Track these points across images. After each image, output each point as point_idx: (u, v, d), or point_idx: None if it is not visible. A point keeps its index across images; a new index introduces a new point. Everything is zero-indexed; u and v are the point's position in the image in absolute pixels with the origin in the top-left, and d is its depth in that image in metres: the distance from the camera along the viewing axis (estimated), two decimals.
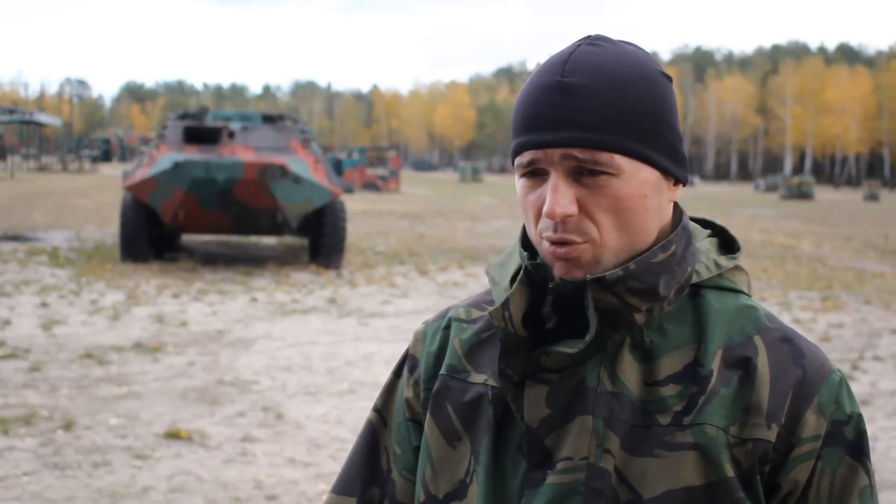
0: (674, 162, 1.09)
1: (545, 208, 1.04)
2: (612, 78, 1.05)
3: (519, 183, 1.10)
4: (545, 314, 1.09)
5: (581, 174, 1.05)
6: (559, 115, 1.04)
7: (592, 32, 1.14)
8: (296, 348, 8.51)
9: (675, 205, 1.14)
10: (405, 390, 1.25)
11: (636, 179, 1.05)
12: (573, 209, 1.04)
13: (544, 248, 1.08)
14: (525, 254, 1.13)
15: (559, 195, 1.03)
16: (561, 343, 1.07)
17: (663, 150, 1.07)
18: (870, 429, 6.29)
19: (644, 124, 1.05)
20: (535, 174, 1.07)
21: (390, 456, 1.25)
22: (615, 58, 1.07)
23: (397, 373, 1.28)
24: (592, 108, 1.04)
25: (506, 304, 1.08)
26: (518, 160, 1.08)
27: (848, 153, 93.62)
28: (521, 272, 1.10)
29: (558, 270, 1.07)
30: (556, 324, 1.09)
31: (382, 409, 1.28)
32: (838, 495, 1.06)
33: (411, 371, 1.24)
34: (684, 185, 1.12)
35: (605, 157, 1.03)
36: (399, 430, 1.25)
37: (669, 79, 1.11)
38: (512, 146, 1.11)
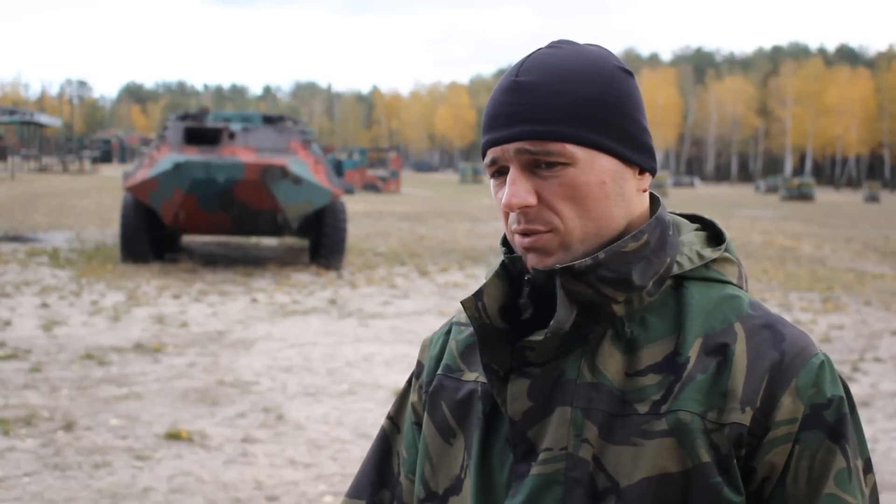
0: (634, 150, 1.11)
1: (503, 200, 1.08)
2: (564, 73, 1.09)
3: (490, 183, 1.15)
4: (522, 305, 1.12)
5: (538, 167, 1.08)
6: (512, 111, 1.09)
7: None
8: (296, 349, 8.51)
9: (654, 197, 1.16)
10: (412, 396, 1.29)
11: (592, 168, 1.08)
12: (531, 200, 1.07)
13: (516, 241, 1.11)
14: (503, 249, 1.17)
15: (516, 187, 1.08)
16: (535, 333, 1.09)
17: (619, 138, 1.09)
18: (870, 430, 6.29)
19: (596, 114, 1.08)
20: (502, 172, 1.12)
21: (399, 460, 1.29)
22: (570, 56, 1.11)
23: (409, 381, 1.32)
24: (542, 103, 1.08)
25: (479, 294, 1.11)
26: (485, 161, 1.13)
27: (848, 154, 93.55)
28: (498, 265, 1.14)
29: (530, 261, 1.10)
30: (536, 316, 1.11)
31: (395, 417, 1.33)
32: (816, 478, 1.05)
33: (417, 377, 1.29)
34: (653, 175, 1.14)
35: (556, 147, 1.07)
36: (407, 434, 1.29)
37: (630, 74, 1.14)
38: (481, 149, 1.15)
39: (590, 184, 1.07)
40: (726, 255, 1.15)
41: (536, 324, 1.11)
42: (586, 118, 1.07)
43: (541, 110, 1.07)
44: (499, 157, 1.10)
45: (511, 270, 1.13)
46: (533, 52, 1.12)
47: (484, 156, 1.13)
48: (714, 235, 1.19)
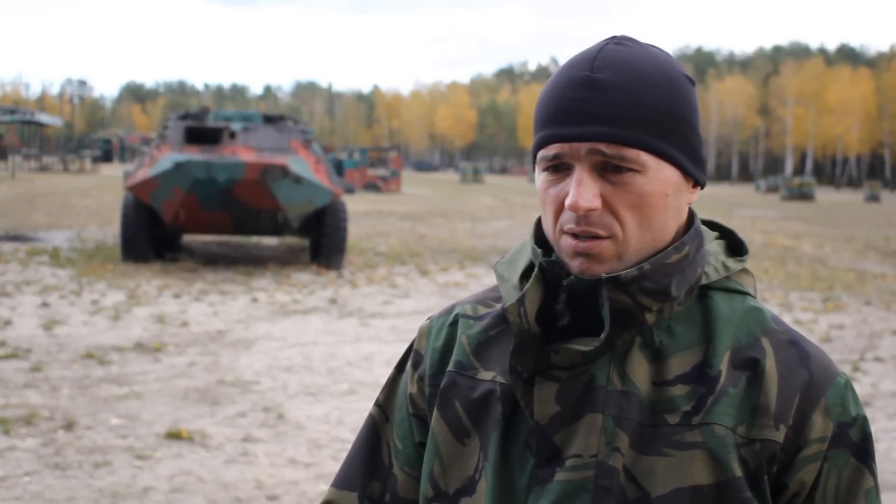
0: (694, 163, 1.10)
1: (568, 201, 1.04)
2: (640, 76, 1.06)
3: (540, 177, 1.11)
4: (558, 311, 1.10)
5: (606, 170, 1.06)
6: (587, 109, 1.05)
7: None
8: (297, 348, 8.51)
9: (689, 207, 1.15)
10: (409, 385, 1.25)
11: (659, 178, 1.06)
12: (597, 203, 1.04)
13: (565, 242, 1.08)
14: (539, 250, 1.13)
15: (584, 189, 1.04)
16: (574, 341, 1.07)
17: (685, 150, 1.09)
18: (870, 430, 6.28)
19: (668, 123, 1.06)
20: (559, 168, 1.08)
21: (392, 451, 1.25)
22: (642, 57, 1.08)
23: (400, 368, 1.28)
24: (620, 104, 1.04)
25: (521, 300, 1.08)
26: (542, 153, 1.09)
27: (849, 154, 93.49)
28: (536, 269, 1.11)
29: (578, 266, 1.07)
30: (570, 321, 1.10)
31: (384, 404, 1.28)
32: (844, 497, 1.07)
33: (415, 366, 1.24)
34: (702, 188, 1.14)
35: (631, 153, 1.05)
36: (401, 425, 1.25)
37: (693, 82, 1.12)
38: (536, 139, 1.11)
39: (655, 194, 1.06)
40: (745, 266, 1.16)
41: (566, 328, 1.10)
42: (660, 126, 1.06)
43: (619, 113, 1.04)
44: (565, 154, 1.06)
45: (548, 274, 1.10)
46: (603, 48, 1.08)
47: (540, 147, 1.09)
48: (731, 245, 1.19)
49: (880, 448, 5.97)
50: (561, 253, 1.09)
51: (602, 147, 1.04)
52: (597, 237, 1.06)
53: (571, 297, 1.09)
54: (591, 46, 1.10)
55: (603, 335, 1.05)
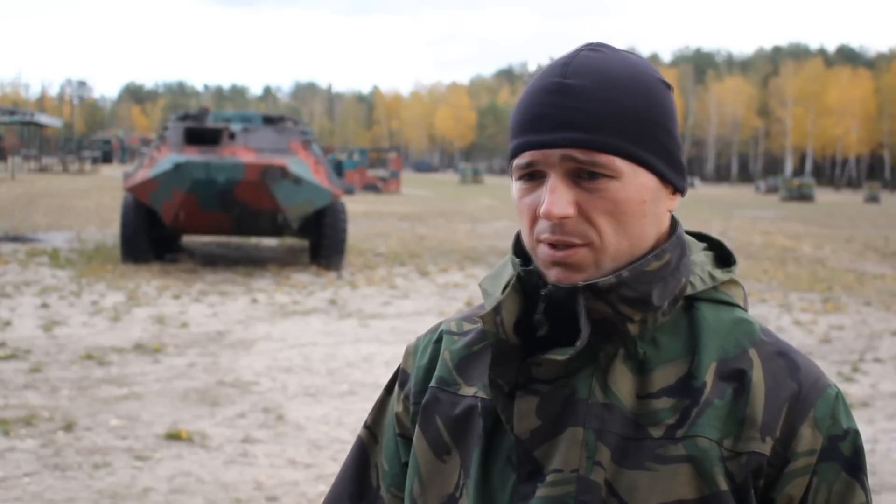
0: (672, 169, 1.08)
1: (542, 208, 1.03)
2: (613, 81, 1.04)
3: (515, 185, 1.09)
4: (537, 322, 1.08)
5: (580, 177, 1.04)
6: (560, 115, 1.03)
7: (594, 38, 1.14)
8: (296, 349, 8.51)
9: (671, 215, 1.13)
10: (395, 405, 1.23)
11: (634, 184, 1.04)
12: (571, 210, 1.03)
13: (541, 251, 1.06)
14: (517, 261, 1.11)
15: (557, 196, 1.02)
16: (551, 351, 1.05)
17: (662, 156, 1.07)
18: (870, 431, 6.29)
19: (643, 129, 1.05)
20: (533, 176, 1.06)
21: (379, 472, 1.24)
22: (616, 63, 1.06)
23: (389, 389, 1.27)
24: (593, 110, 1.03)
25: (498, 309, 1.07)
26: (516, 161, 1.07)
27: (848, 155, 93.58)
28: (513, 279, 1.09)
29: (555, 276, 1.05)
30: (549, 332, 1.08)
31: (373, 426, 1.27)
32: None
33: (402, 386, 1.23)
34: (682, 195, 1.11)
35: (604, 158, 1.02)
36: (388, 446, 1.23)
37: (669, 87, 1.10)
38: (510, 148, 1.09)
39: (630, 200, 1.04)
40: (734, 276, 1.14)
41: (548, 339, 1.08)
42: (634, 132, 1.04)
43: (591, 118, 1.03)
44: (538, 161, 1.05)
45: (525, 284, 1.08)
46: (576, 54, 1.07)
47: (514, 156, 1.08)
48: (720, 256, 1.17)
49: (880, 448, 5.96)
50: (538, 262, 1.08)
51: (575, 153, 1.02)
52: (573, 245, 1.04)
53: (551, 307, 1.06)
54: (566, 53, 1.09)
55: (578, 344, 1.02)
